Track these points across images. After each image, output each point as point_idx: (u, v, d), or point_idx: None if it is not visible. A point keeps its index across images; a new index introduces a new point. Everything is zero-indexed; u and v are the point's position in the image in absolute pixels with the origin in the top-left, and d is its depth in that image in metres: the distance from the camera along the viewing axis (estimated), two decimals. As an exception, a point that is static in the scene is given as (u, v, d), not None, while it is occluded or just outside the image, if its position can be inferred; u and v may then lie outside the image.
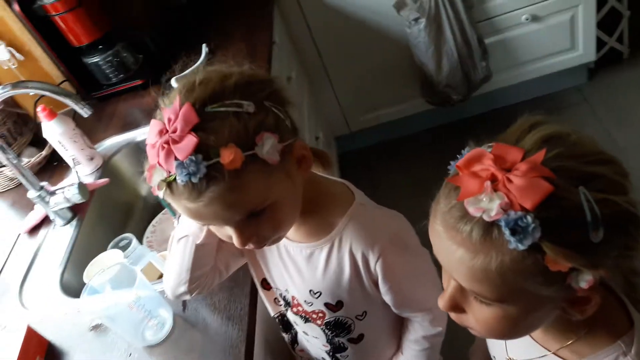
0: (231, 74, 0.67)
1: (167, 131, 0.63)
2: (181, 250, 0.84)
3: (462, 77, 2.10)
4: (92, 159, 1.45)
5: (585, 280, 0.49)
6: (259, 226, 0.70)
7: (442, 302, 0.59)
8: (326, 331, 0.93)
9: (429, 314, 0.91)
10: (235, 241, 0.70)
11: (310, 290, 0.86)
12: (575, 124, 2.18)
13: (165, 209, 1.41)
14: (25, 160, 1.51)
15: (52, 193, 1.28)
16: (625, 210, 0.50)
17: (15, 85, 1.17)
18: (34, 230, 1.36)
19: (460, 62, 2.07)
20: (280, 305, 0.97)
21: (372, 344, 0.95)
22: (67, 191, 1.26)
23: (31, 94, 1.15)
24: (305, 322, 0.93)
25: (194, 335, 0.92)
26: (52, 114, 1.36)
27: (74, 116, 1.54)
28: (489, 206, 0.48)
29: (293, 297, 0.91)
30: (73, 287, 1.16)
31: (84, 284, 0.96)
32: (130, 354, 0.96)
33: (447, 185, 0.54)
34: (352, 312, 0.89)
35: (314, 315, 0.91)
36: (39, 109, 1.37)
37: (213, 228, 0.74)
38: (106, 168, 1.49)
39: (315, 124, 2.13)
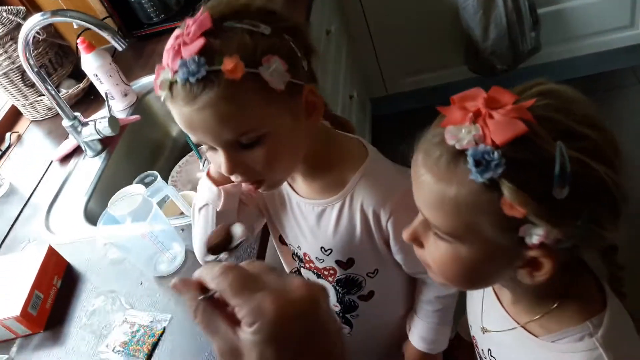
0: (260, 0, 0.68)
1: (182, 35, 0.64)
2: (203, 219, 0.83)
3: (509, 45, 2.02)
4: (126, 95, 1.48)
5: (537, 235, 0.49)
6: (249, 157, 0.69)
7: (405, 232, 0.60)
8: (337, 288, 0.93)
9: None
10: (223, 167, 0.69)
11: (321, 248, 0.86)
12: (624, 107, 2.11)
13: (192, 151, 1.43)
14: (63, 91, 1.55)
15: (85, 124, 1.31)
16: (601, 180, 0.49)
17: (55, 12, 1.18)
18: (65, 158, 1.41)
19: (508, 29, 1.98)
20: (295, 261, 0.98)
21: (383, 301, 0.95)
22: (98, 123, 1.29)
23: (71, 23, 1.16)
24: (317, 279, 0.94)
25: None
26: (90, 47, 1.39)
27: (114, 53, 1.57)
28: (464, 136, 0.48)
29: (305, 254, 0.91)
30: (96, 216, 1.19)
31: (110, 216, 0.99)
32: (142, 283, 1.00)
33: (439, 116, 0.55)
34: (363, 269, 0.89)
35: (325, 272, 0.91)
36: (78, 40, 1.39)
37: (209, 155, 0.73)
38: (139, 105, 1.51)
39: (351, 82, 2.10)
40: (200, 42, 0.61)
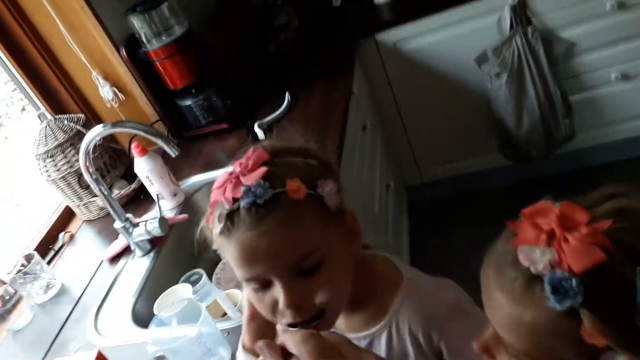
0: (301, 144, 0.75)
1: (237, 171, 0.68)
2: None
3: (544, 133, 2.05)
4: (175, 195, 1.55)
5: None
6: (309, 286, 0.67)
7: (476, 343, 0.60)
8: None
9: None
10: (283, 299, 0.66)
11: None
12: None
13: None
14: (115, 192, 1.64)
15: (136, 225, 1.37)
16: None
17: (115, 124, 1.29)
18: (115, 258, 1.46)
19: (542, 118, 2.02)
20: None
21: None
22: (148, 224, 1.35)
23: (129, 132, 1.26)
24: None
25: (250, 378, 0.93)
26: (143, 151, 1.48)
27: (163, 154, 1.66)
28: (538, 259, 0.48)
29: None
30: (143, 317, 1.23)
31: (153, 315, 1.02)
32: (189, 389, 1.00)
33: (508, 230, 0.54)
34: None
35: None
36: (132, 145, 1.49)
37: (254, 297, 0.71)
38: (187, 204, 1.58)
39: (387, 172, 2.14)
40: (263, 169, 0.66)
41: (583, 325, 0.46)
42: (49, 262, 1.55)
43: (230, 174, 0.68)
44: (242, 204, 0.64)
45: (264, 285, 0.68)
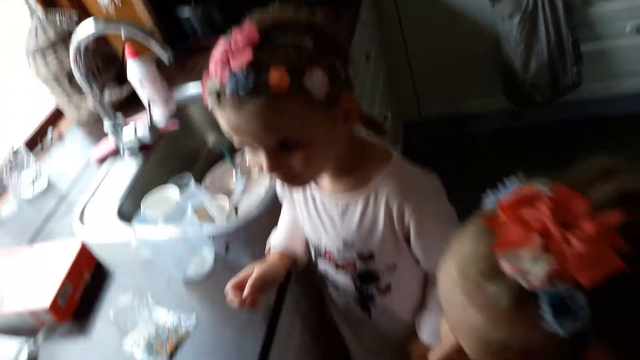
0: (303, 15, 0.72)
1: (227, 49, 0.68)
2: None
3: (550, 79, 2.00)
4: (167, 102, 1.51)
5: None
6: (290, 158, 0.73)
7: (434, 357, 0.50)
8: (355, 280, 0.95)
9: None
10: (265, 166, 0.73)
11: (343, 241, 0.89)
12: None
13: (226, 159, 1.45)
14: (106, 95, 1.60)
15: (125, 125, 1.34)
16: None
17: (108, 21, 1.24)
18: (103, 160, 1.44)
19: (550, 63, 1.97)
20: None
21: (399, 294, 0.97)
22: (138, 128, 1.32)
23: (121, 33, 1.21)
24: (336, 271, 0.96)
25: (231, 279, 0.94)
26: (136, 53, 1.43)
27: (158, 64, 1.61)
28: (531, 268, 0.36)
29: (326, 248, 0.93)
30: (129, 217, 1.22)
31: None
32: (170, 284, 1.01)
33: (478, 223, 0.42)
34: (382, 263, 0.91)
35: (345, 265, 0.93)
36: (126, 47, 1.44)
37: (249, 153, 0.77)
38: (179, 114, 1.54)
39: (387, 104, 2.11)
40: (248, 54, 0.66)
41: (589, 350, 0.36)
42: (37, 158, 1.53)
43: (225, 46, 0.69)
44: (225, 88, 0.67)
45: (254, 147, 0.74)
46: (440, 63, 2.19)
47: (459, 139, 2.42)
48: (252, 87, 0.66)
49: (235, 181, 1.41)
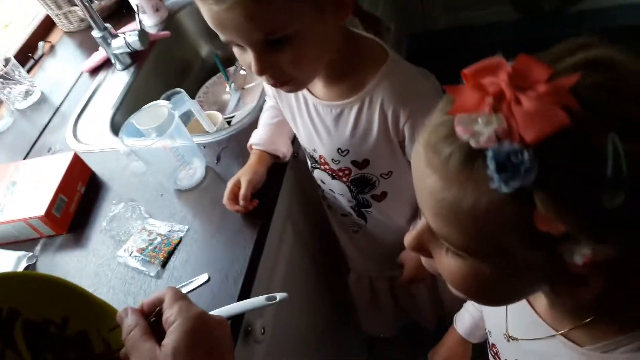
0: None
1: None
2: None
3: (560, -15, 1.90)
4: (157, 10, 1.46)
5: (581, 254, 0.38)
6: (279, 57, 0.70)
7: (407, 238, 0.49)
8: (351, 187, 0.95)
9: None
10: (254, 67, 0.70)
11: (338, 149, 0.88)
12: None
13: (220, 73, 1.42)
14: (96, 2, 1.53)
15: (115, 35, 1.30)
16: None
17: None
18: (95, 70, 1.41)
19: (561, -33, 1.86)
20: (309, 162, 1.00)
21: (394, 202, 0.98)
22: (128, 36, 1.28)
23: None
24: (332, 179, 0.96)
25: (222, 188, 0.95)
26: (122, -43, 1.36)
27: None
28: (481, 129, 0.36)
29: (320, 156, 0.93)
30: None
31: (133, 127, 1.00)
32: (162, 194, 1.02)
33: (447, 97, 0.42)
34: (377, 170, 0.90)
35: (340, 173, 0.93)
36: (110, -51, 1.36)
37: (236, 52, 0.73)
38: (170, 22, 1.49)
39: (390, 14, 2.02)
40: None
41: (536, 209, 0.36)
42: (28, 71, 1.51)
43: None
44: None
45: (242, 46, 0.70)
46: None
47: (464, 51, 2.34)
48: None
49: (229, 94, 1.39)
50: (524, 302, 0.58)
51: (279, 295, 0.82)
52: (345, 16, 0.73)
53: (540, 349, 0.56)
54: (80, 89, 1.38)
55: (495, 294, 0.47)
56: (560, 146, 0.35)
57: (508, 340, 0.62)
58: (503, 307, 0.64)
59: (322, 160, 0.93)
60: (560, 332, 0.53)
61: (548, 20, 2.04)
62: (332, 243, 1.19)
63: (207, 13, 0.67)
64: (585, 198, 0.35)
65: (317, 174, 0.99)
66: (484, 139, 0.36)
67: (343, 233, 1.14)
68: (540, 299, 0.56)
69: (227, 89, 1.39)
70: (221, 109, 1.36)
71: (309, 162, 0.99)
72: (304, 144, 0.95)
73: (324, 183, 1.00)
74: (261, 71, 0.70)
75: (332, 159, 0.90)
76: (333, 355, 1.29)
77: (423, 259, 0.51)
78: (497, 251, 0.41)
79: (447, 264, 0.46)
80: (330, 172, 0.94)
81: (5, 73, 1.34)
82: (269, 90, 0.98)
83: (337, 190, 0.98)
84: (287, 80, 0.74)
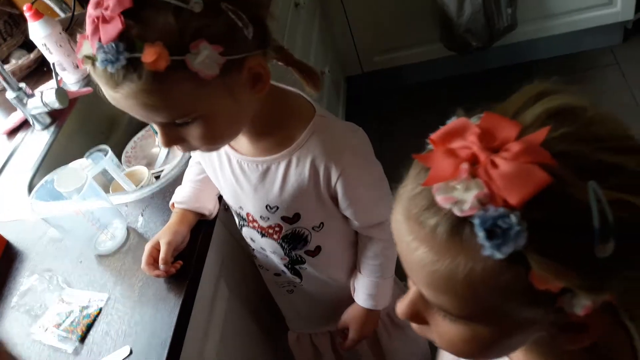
0: None
1: (98, 11, 0.58)
2: None
3: (484, 22, 1.97)
4: (78, 67, 1.40)
5: (581, 306, 0.37)
6: (187, 133, 0.67)
7: (400, 307, 0.47)
8: (283, 245, 0.91)
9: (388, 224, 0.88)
10: (160, 140, 0.68)
11: (266, 206, 0.84)
12: (602, 87, 2.07)
13: (149, 126, 1.37)
14: (13, 61, 1.47)
15: (31, 95, 1.24)
16: None
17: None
18: (13, 132, 1.34)
19: (484, 5, 1.92)
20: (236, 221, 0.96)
21: (329, 256, 0.94)
22: (45, 95, 1.22)
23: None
24: (261, 237, 0.92)
25: (144, 248, 0.89)
26: (38, 14, 1.31)
27: (69, 25, 1.49)
28: (462, 197, 0.36)
29: (248, 214, 0.89)
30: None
31: (54, 192, 0.94)
32: (81, 261, 0.95)
33: (417, 164, 0.42)
34: (309, 222, 0.87)
35: (270, 230, 0.89)
36: (25, 7, 1.31)
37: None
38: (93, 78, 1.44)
39: (323, 59, 2.03)
40: (117, 26, 0.56)
41: (532, 271, 0.36)
42: (-59, 137, 1.41)
43: (98, 3, 0.58)
44: (97, 63, 0.58)
45: None
46: (378, 11, 2.11)
47: (401, 90, 2.39)
48: (124, 65, 0.56)
49: (159, 147, 1.34)
50: None
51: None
52: (263, 89, 0.69)
53: None
54: (-2, 151, 1.30)
55: (495, 350, 0.46)
56: (545, 205, 0.35)
57: None
58: None
59: (250, 218, 0.89)
60: None
61: (477, 56, 2.10)
62: (272, 300, 1.13)
63: (106, 94, 0.63)
64: (577, 252, 0.35)
65: (246, 232, 0.94)
66: (468, 206, 0.36)
67: (278, 293, 1.08)
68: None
69: (156, 142, 1.34)
70: (150, 163, 1.31)
71: (236, 220, 0.94)
72: (230, 202, 0.91)
73: (253, 241, 0.95)
74: (167, 145, 0.68)
75: (260, 216, 0.86)
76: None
77: (415, 326, 0.49)
78: (496, 314, 0.40)
79: (445, 330, 0.44)
80: (259, 230, 0.90)
81: None
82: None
83: (268, 248, 0.93)
84: (199, 149, 0.72)
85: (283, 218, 0.85)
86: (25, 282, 0.91)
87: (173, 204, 0.92)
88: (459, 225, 0.37)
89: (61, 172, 1.06)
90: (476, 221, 0.35)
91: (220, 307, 0.98)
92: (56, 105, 1.22)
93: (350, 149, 0.79)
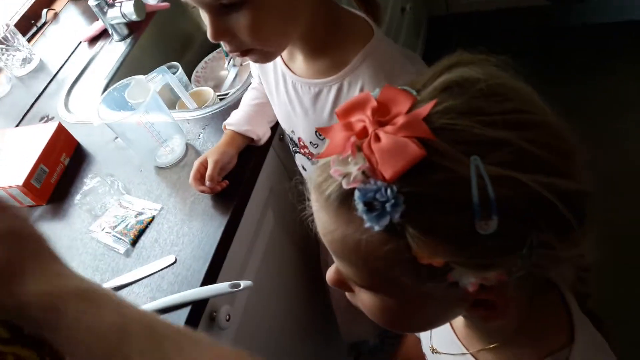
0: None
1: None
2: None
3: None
4: (159, -20, 1.42)
5: (468, 282, 0.37)
6: (234, 23, 0.65)
7: (328, 275, 0.48)
8: None
9: None
10: (208, 31, 0.66)
11: (316, 132, 0.83)
12: None
13: (220, 48, 1.38)
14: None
15: (111, 5, 1.27)
16: (537, 195, 0.35)
17: None
18: (94, 40, 1.39)
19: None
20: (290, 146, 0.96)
21: None
22: (124, 6, 1.25)
23: None
24: (312, 165, 0.91)
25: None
26: None
27: None
28: (350, 169, 0.37)
29: (299, 139, 0.88)
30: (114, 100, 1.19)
31: (123, 101, 0.98)
32: (141, 171, 0.99)
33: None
34: None
35: None
36: None
37: (203, 17, 0.69)
38: (172, -7, 1.45)
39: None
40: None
41: (412, 245, 0.36)
42: (30, 39, 1.49)
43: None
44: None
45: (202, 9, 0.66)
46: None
47: (489, 36, 2.24)
48: None
49: (227, 71, 1.35)
50: None
51: (243, 283, 0.79)
52: None
53: None
54: (77, 58, 1.36)
55: (410, 323, 0.48)
56: (422, 179, 0.35)
57: (432, 352, 0.63)
58: None
59: (301, 144, 0.88)
60: (470, 352, 0.54)
61: (575, 8, 1.93)
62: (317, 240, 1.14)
63: None
64: (457, 228, 0.35)
65: (299, 159, 0.95)
66: (352, 178, 0.36)
67: None
68: (459, 318, 0.55)
69: (226, 65, 1.35)
70: (218, 85, 1.33)
71: (290, 146, 0.94)
72: (283, 124, 0.90)
73: (304, 170, 0.95)
74: (215, 36, 0.66)
75: (310, 142, 0.86)
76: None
77: (347, 294, 0.49)
78: (394, 285, 0.40)
79: (362, 298, 0.46)
80: (310, 157, 0.90)
81: (3, 39, 1.33)
82: (254, 68, 0.93)
83: None
84: (246, 50, 0.69)
85: None
86: (89, 182, 0.97)
87: (225, 125, 0.94)
88: (347, 197, 0.37)
89: (129, 82, 1.10)
90: (356, 194, 0.36)
91: (264, 233, 1.00)
92: (133, 16, 1.25)
93: (404, 79, 0.74)
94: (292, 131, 0.88)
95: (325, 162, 0.40)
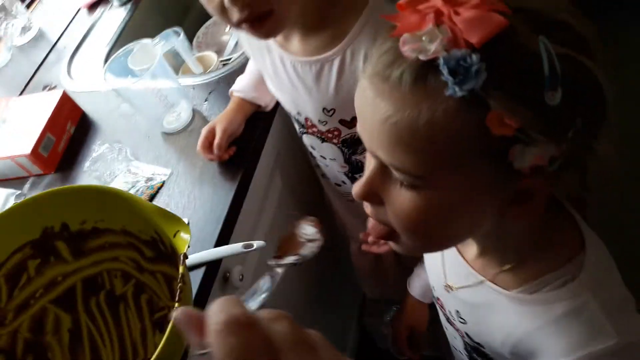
0: None
1: None
2: None
3: None
4: (157, -57, 1.39)
5: (532, 154, 0.40)
6: None
7: (356, 188, 0.49)
8: (343, 149, 0.90)
9: None
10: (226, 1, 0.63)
11: (323, 109, 0.82)
12: None
13: (221, 12, 1.36)
14: None
15: (110, -30, 1.25)
16: (591, 76, 0.40)
17: None
18: (93, 6, 1.37)
19: None
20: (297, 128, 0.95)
21: None
22: (123, -30, 1.23)
23: None
24: (322, 142, 0.91)
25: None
26: None
27: None
28: (428, 43, 0.39)
29: (307, 119, 0.87)
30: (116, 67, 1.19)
31: (127, 67, 0.97)
32: (149, 137, 0.99)
33: (386, 29, 0.44)
34: None
35: (329, 135, 0.88)
36: None
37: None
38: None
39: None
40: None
41: (490, 112, 0.38)
42: (28, 6, 1.47)
43: None
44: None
45: None
46: None
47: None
48: None
49: (229, 36, 1.33)
50: (456, 252, 0.61)
51: (256, 243, 0.80)
52: None
53: (473, 298, 0.59)
54: (78, 24, 1.34)
55: (443, 229, 0.48)
56: (502, 48, 0.38)
57: (448, 291, 0.64)
58: (440, 259, 0.66)
59: (309, 124, 0.88)
60: (487, 279, 0.56)
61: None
62: (326, 206, 1.15)
63: None
64: (531, 94, 0.38)
65: (307, 140, 0.94)
66: (432, 50, 0.38)
67: (339, 203, 1.09)
68: (470, 249, 0.58)
69: (227, 29, 1.34)
70: (220, 50, 1.31)
71: (297, 128, 0.94)
72: (288, 108, 0.89)
73: (314, 149, 0.95)
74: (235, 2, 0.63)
75: (318, 120, 0.85)
76: (322, 309, 1.27)
77: (372, 210, 0.50)
78: (452, 166, 0.42)
79: (400, 201, 0.46)
80: (319, 135, 0.89)
81: (1, 7, 1.31)
82: (251, 54, 0.91)
83: (328, 155, 0.93)
84: (263, 11, 0.65)
85: (341, 121, 0.83)
86: (97, 149, 0.98)
87: (232, 91, 0.93)
88: (423, 71, 0.39)
89: (134, 47, 1.09)
90: (441, 61, 0.38)
91: (272, 196, 1.01)
92: (133, -19, 1.23)
93: None
94: (298, 112, 0.87)
95: (382, 52, 0.43)
